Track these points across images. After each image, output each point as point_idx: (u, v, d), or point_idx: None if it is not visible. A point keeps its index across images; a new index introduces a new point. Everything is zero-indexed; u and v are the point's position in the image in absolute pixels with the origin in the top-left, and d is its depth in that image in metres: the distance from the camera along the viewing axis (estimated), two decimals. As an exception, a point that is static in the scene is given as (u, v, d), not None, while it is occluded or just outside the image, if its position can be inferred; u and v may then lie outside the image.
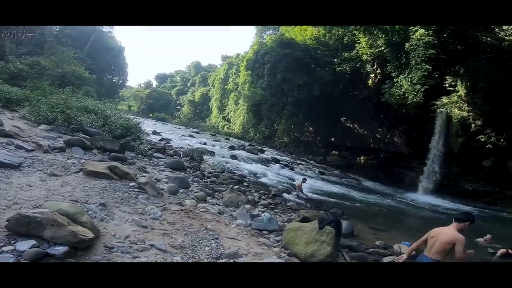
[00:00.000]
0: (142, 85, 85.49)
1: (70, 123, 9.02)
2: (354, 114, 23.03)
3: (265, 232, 5.62)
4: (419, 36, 14.36)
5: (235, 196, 7.30)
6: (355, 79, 21.18)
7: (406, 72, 15.33)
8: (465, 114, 15.75)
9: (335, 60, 21.68)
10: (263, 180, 12.96)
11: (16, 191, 3.75)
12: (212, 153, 16.66)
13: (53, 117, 8.93)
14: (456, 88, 15.83)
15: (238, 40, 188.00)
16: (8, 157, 4.87)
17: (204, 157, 14.51)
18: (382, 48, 17.14)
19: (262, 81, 26.47)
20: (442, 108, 16.38)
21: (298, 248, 4.74)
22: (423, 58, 14.13)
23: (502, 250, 6.33)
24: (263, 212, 7.00)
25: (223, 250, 4.02)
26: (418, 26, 14.46)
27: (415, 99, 15.14)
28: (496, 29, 14.73)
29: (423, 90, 14.38)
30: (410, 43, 14.79)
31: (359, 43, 19.34)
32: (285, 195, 10.46)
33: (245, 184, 10.48)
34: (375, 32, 17.38)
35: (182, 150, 14.20)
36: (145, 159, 9.28)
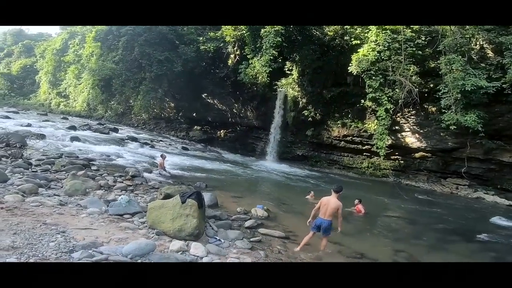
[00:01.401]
0: None
1: None
2: (214, 91, 23.99)
3: (126, 216, 5.09)
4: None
5: (80, 183, 6.10)
6: (217, 58, 21.91)
7: (259, 55, 17.12)
8: (296, 93, 19.74)
9: (201, 38, 21.70)
10: (118, 161, 11.54)
11: None
12: (41, 136, 13.09)
13: None
14: (292, 72, 19.41)
15: None
16: None
17: (29, 142, 11.25)
18: (244, 31, 18.28)
19: (114, 54, 23.32)
20: (282, 88, 19.83)
21: (165, 225, 4.59)
22: (271, 44, 16.07)
23: None
24: (120, 196, 6.27)
25: (75, 242, 3.44)
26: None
27: (263, 79, 17.34)
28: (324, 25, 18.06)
29: (268, 72, 16.63)
30: (264, 29, 16.42)
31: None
32: (145, 174, 9.76)
33: (93, 168, 8.96)
34: None
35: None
36: None
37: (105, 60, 25.17)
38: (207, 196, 6.67)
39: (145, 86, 22.11)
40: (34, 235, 3.41)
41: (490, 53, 13.85)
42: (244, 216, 6.81)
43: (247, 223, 6.27)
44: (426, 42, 14.61)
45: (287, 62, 19.42)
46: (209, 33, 21.58)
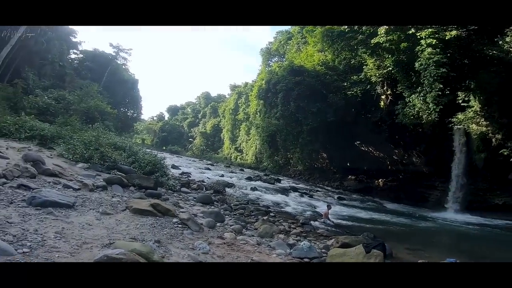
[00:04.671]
0: (154, 118, 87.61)
1: (105, 160, 9.49)
2: (368, 137, 23.04)
3: (306, 259, 5.60)
4: (428, 55, 14.36)
5: (269, 227, 7.33)
6: (366, 102, 21.30)
7: (418, 91, 15.36)
8: (484, 129, 15.67)
9: (345, 84, 21.71)
10: (287, 209, 12.87)
11: (80, 231, 3.97)
12: (232, 185, 16.79)
13: (89, 155, 9.40)
14: (470, 103, 15.87)
15: (244, 67, 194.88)
16: (62, 197, 5.18)
17: (226, 189, 14.65)
18: (390, 68, 17.33)
19: (276, 110, 26.27)
20: (459, 125, 16.38)
21: (346, 275, 4.70)
22: (435, 78, 14.07)
23: None
24: (297, 240, 6.99)
25: None
26: (425, 45, 14.48)
27: (429, 118, 15.13)
28: (500, 42, 14.89)
29: (438, 110, 14.36)
30: (419, 62, 14.79)
31: (366, 65, 19.61)
32: (312, 222, 10.35)
33: (271, 214, 10.45)
34: (381, 52, 17.69)
35: (204, 183, 14.43)
36: (175, 194, 9.51)
37: (269, 116, 28.80)
38: (380, 248, 6.27)
39: (303, 139, 24.08)
40: (250, 269, 4.36)
41: None
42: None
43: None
44: None
45: (458, 93, 16.09)
46: (352, 77, 21.28)
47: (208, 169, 27.80)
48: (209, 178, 18.22)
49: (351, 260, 4.78)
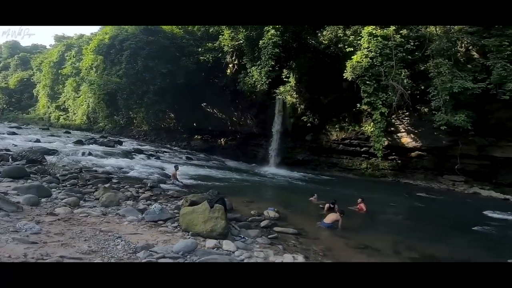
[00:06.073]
0: None
1: None
2: (214, 100, 24.73)
3: (160, 222, 5.72)
4: (270, 36, 16.76)
5: (113, 195, 6.74)
6: (216, 68, 22.61)
7: (257, 64, 17.81)
8: (294, 100, 20.54)
9: (200, 49, 22.32)
10: (133, 174, 12.10)
11: None
12: (54, 152, 13.58)
13: None
14: (289, 79, 20.26)
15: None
16: None
17: (46, 157, 11.74)
18: (241, 41, 19.05)
19: (118, 68, 23.72)
20: (280, 95, 20.60)
21: (198, 228, 5.25)
22: (270, 56, 16.77)
23: (326, 205, 9.11)
24: (148, 205, 6.91)
25: (134, 245, 4.00)
26: (271, 26, 16.63)
27: (261, 88, 18.04)
28: (318, 34, 18.72)
29: (268, 82, 17.38)
30: (263, 40, 17.07)
31: (222, 35, 20.66)
32: (162, 185, 10.36)
33: (114, 181, 9.55)
34: (238, 26, 18.99)
35: (9, 152, 10.85)
36: (-44, 170, 6.68)
37: (109, 74, 25.46)
38: (223, 201, 7.31)
39: (148, 99, 22.65)
40: (101, 241, 3.99)
41: (476, 55, 14.76)
42: (259, 217, 7.47)
43: (263, 223, 6.95)
44: (415, 47, 15.45)
45: (284, 70, 20.15)
46: (207, 44, 22.09)
47: (14, 133, 20.96)
48: (16, 146, 13.84)
49: (199, 215, 5.32)
